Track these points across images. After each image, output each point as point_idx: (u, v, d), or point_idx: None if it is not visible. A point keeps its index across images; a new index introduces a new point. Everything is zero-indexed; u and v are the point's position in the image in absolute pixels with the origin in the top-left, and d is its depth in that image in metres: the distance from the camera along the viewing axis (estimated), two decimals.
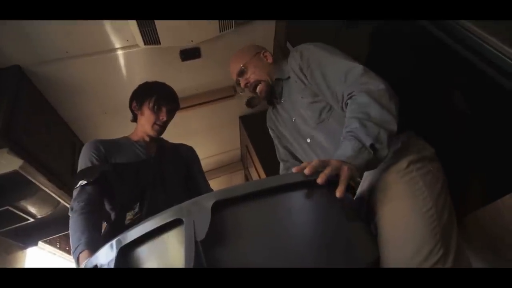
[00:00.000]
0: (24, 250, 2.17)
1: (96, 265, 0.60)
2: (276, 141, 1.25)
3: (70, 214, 1.01)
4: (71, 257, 0.94)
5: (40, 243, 2.30)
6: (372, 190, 0.80)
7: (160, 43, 1.57)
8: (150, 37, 1.52)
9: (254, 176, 2.74)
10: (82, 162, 1.10)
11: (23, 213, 1.74)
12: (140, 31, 1.48)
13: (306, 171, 0.60)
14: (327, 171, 0.61)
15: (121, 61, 1.71)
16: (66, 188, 1.65)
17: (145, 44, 1.56)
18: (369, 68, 0.87)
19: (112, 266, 0.54)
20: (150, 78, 1.30)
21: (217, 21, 1.59)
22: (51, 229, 2.13)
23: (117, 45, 1.63)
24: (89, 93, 1.77)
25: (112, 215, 1.11)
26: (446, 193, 0.78)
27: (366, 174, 0.84)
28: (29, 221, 1.83)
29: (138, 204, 1.08)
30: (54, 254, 2.88)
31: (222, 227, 0.52)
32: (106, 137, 1.24)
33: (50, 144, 1.60)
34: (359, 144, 0.70)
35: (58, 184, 1.60)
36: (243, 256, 0.52)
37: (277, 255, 0.53)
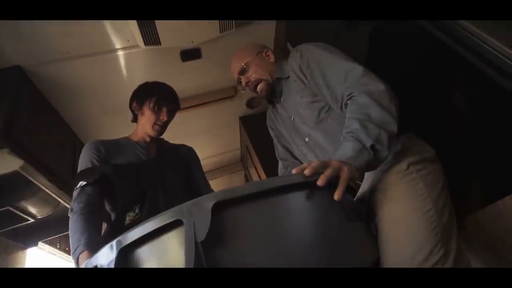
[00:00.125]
0: (24, 251, 2.18)
1: (96, 266, 0.59)
2: (275, 140, 1.25)
3: (70, 215, 1.01)
4: (71, 257, 0.94)
5: (40, 243, 2.30)
6: (373, 191, 0.80)
7: (160, 44, 1.57)
8: (151, 38, 1.52)
9: (254, 176, 2.74)
10: (83, 163, 1.10)
11: (23, 213, 1.74)
12: (141, 32, 1.48)
13: (306, 172, 0.60)
14: (327, 172, 0.61)
15: (122, 61, 1.71)
16: (66, 188, 1.65)
17: (145, 45, 1.56)
18: (369, 69, 0.87)
19: (112, 267, 0.54)
20: (151, 79, 1.30)
21: (218, 21, 1.59)
22: (51, 229, 2.13)
23: (118, 45, 1.63)
24: (90, 93, 1.77)
25: (112, 216, 1.11)
26: (447, 194, 0.78)
27: (367, 175, 0.84)
28: (29, 222, 1.83)
29: (139, 205, 1.08)
30: (54, 254, 2.88)
31: (223, 228, 0.52)
32: (107, 137, 1.24)
33: (51, 145, 1.60)
34: (359, 145, 0.70)
35: (59, 184, 1.60)
36: (243, 257, 0.52)
37: (277, 256, 0.53)
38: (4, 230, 1.83)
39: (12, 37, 1.38)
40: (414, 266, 0.67)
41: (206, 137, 2.62)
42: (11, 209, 1.65)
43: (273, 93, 1.15)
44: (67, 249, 2.94)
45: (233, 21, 1.63)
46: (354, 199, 0.84)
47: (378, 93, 0.79)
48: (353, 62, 0.90)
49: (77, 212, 0.99)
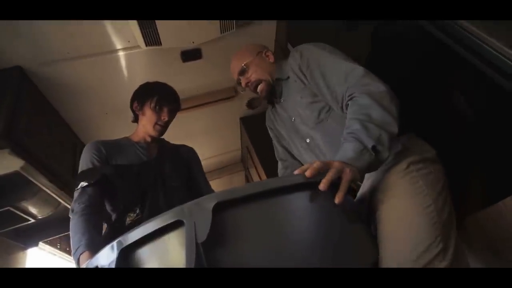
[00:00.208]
0: (25, 251, 2.18)
1: (97, 267, 0.60)
2: (274, 141, 1.25)
3: (70, 215, 1.01)
4: (71, 257, 0.94)
5: (40, 243, 2.30)
6: (373, 191, 0.80)
7: (161, 44, 1.57)
8: (151, 38, 1.52)
9: (255, 177, 2.74)
10: (83, 163, 1.10)
11: (24, 213, 1.75)
12: (141, 32, 1.48)
13: (308, 173, 0.60)
14: (329, 176, 0.61)
15: (122, 62, 1.72)
16: (66, 189, 1.65)
17: (146, 45, 1.56)
18: (369, 69, 0.87)
19: (113, 267, 0.54)
20: (151, 79, 1.31)
21: (218, 22, 1.59)
22: (51, 229, 2.13)
23: (118, 46, 1.63)
24: (90, 94, 1.77)
25: (113, 217, 1.11)
26: (447, 193, 0.78)
27: (367, 175, 0.84)
28: (29, 222, 1.84)
29: (139, 205, 1.08)
30: (55, 254, 2.88)
31: (223, 228, 0.52)
32: (107, 138, 1.24)
33: (51, 145, 1.60)
34: (360, 145, 0.70)
35: (59, 185, 1.60)
36: (244, 258, 0.52)
37: (277, 257, 0.53)
38: (4, 230, 1.84)
39: (13, 38, 1.38)
40: (414, 259, 0.67)
41: (206, 138, 2.62)
42: (12, 209, 1.65)
43: (273, 94, 1.15)
44: (67, 249, 2.94)
45: (234, 21, 1.63)
46: (355, 200, 0.84)
47: (379, 94, 0.79)
48: (353, 63, 0.90)
49: (78, 213, 0.99)
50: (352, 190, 0.77)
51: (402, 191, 0.75)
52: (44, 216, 1.86)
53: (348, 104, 0.84)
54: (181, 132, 1.94)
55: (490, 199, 0.84)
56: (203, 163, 1.42)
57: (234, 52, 1.23)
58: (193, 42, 1.68)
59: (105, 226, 1.13)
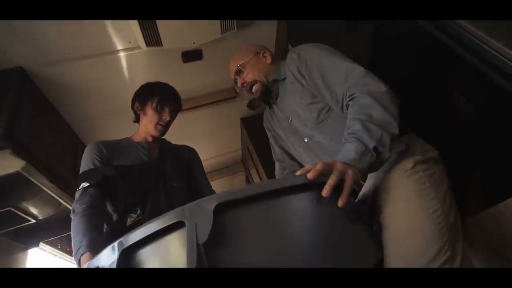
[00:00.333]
0: (25, 251, 2.18)
1: (98, 267, 0.60)
2: (272, 141, 1.25)
3: (72, 216, 1.01)
4: (72, 258, 0.95)
5: (41, 244, 2.30)
6: (376, 191, 0.80)
7: (162, 45, 1.57)
8: (152, 39, 1.52)
9: (255, 177, 2.74)
10: (85, 164, 1.10)
11: (25, 214, 1.75)
12: (142, 33, 1.48)
13: (310, 176, 0.59)
14: (331, 180, 0.60)
15: (123, 62, 1.72)
16: (67, 189, 1.65)
17: (147, 46, 1.56)
18: (369, 69, 0.87)
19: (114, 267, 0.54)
20: (152, 80, 1.31)
21: (219, 23, 1.59)
22: (52, 230, 2.14)
23: (119, 46, 1.63)
24: (91, 94, 1.77)
25: (114, 217, 1.11)
26: (451, 194, 0.78)
27: (369, 175, 0.84)
28: (30, 222, 1.83)
29: (140, 206, 1.08)
30: (55, 255, 2.88)
31: (224, 229, 0.52)
32: (109, 138, 1.24)
33: (52, 146, 1.60)
34: (362, 146, 0.69)
35: (60, 185, 1.60)
36: (245, 259, 0.52)
37: (279, 258, 0.53)
38: (5, 230, 1.84)
39: (14, 38, 1.38)
40: (422, 265, 0.67)
41: (207, 138, 2.62)
42: (13, 209, 1.65)
43: (269, 95, 1.15)
44: (68, 249, 2.94)
45: (235, 22, 1.63)
46: (356, 200, 0.84)
47: (379, 94, 0.78)
48: (353, 63, 0.89)
49: (79, 213, 0.99)
50: (353, 191, 0.76)
51: (407, 192, 0.75)
52: (44, 217, 1.86)
53: (348, 104, 0.84)
54: (181, 132, 1.94)
55: (490, 200, 0.84)
56: (203, 163, 1.42)
57: (235, 53, 1.23)
58: (193, 43, 1.68)
59: (105, 226, 1.13)
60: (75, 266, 0.94)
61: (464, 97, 0.88)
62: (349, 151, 0.70)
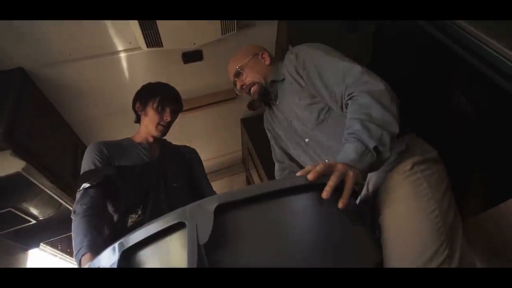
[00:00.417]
0: (26, 252, 2.18)
1: (99, 268, 0.60)
2: (272, 142, 1.25)
3: (72, 217, 1.01)
4: (73, 259, 0.95)
5: (41, 244, 2.31)
6: (376, 191, 0.80)
7: (162, 46, 1.57)
8: (153, 40, 1.53)
9: (256, 178, 2.74)
10: (85, 164, 1.10)
11: (25, 214, 1.75)
12: (143, 34, 1.49)
13: (310, 177, 0.59)
14: (332, 182, 0.60)
15: (124, 63, 1.72)
16: (68, 190, 1.65)
17: (147, 47, 1.56)
18: (371, 69, 0.86)
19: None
20: (153, 80, 1.31)
21: (219, 23, 1.59)
22: (52, 231, 2.14)
23: (120, 47, 1.63)
24: (92, 95, 1.78)
25: (115, 218, 1.11)
26: (451, 194, 0.78)
27: (369, 175, 0.83)
28: (31, 223, 1.84)
29: (141, 206, 1.08)
30: (56, 255, 2.89)
31: (225, 230, 0.52)
32: (109, 139, 1.24)
33: (53, 146, 1.60)
34: (362, 146, 0.69)
35: (60, 186, 1.60)
36: (246, 260, 0.52)
37: (279, 259, 0.53)
38: (6, 231, 1.84)
39: (15, 39, 1.38)
40: (420, 265, 0.67)
41: (207, 139, 2.62)
42: (13, 210, 1.65)
43: (268, 96, 1.15)
44: (68, 250, 2.94)
45: (235, 23, 1.64)
46: (357, 201, 0.84)
47: (378, 92, 0.78)
48: (351, 62, 0.89)
49: (80, 214, 0.99)
50: (354, 192, 0.76)
51: (405, 193, 0.75)
52: (45, 217, 1.87)
53: (348, 103, 0.83)
54: (182, 133, 1.95)
55: (491, 201, 0.83)
56: (204, 164, 1.42)
57: (235, 53, 1.23)
58: (194, 44, 1.68)
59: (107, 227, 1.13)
60: (75, 267, 0.94)
61: (464, 97, 0.88)
62: (349, 151, 0.69)
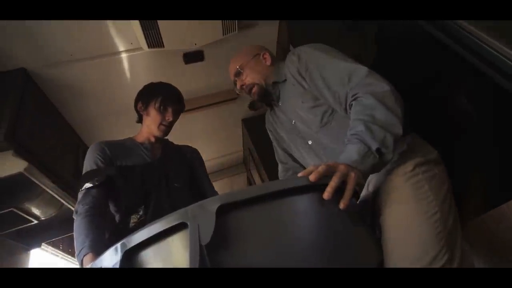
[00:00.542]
0: (28, 252, 2.19)
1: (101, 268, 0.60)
2: (275, 143, 1.24)
3: (74, 217, 1.01)
4: (74, 259, 0.95)
5: (43, 244, 2.31)
6: (377, 192, 0.79)
7: (163, 46, 1.58)
8: (154, 40, 1.53)
9: (257, 178, 2.74)
10: (87, 164, 1.11)
11: (27, 214, 1.75)
12: (144, 34, 1.49)
13: (312, 178, 0.59)
14: (333, 182, 0.60)
15: (125, 64, 1.73)
16: (70, 190, 1.65)
17: (149, 47, 1.56)
18: (374, 70, 0.86)
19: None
20: (154, 81, 1.31)
21: (220, 24, 1.60)
22: (54, 231, 2.14)
23: (121, 48, 1.64)
24: (94, 95, 1.78)
25: (117, 218, 1.11)
26: (451, 196, 0.77)
27: (371, 176, 0.83)
28: (32, 223, 1.84)
29: (143, 206, 1.08)
30: (57, 255, 2.89)
31: (227, 231, 0.53)
32: (111, 139, 1.24)
33: (55, 147, 1.61)
34: (364, 147, 0.69)
35: (62, 186, 1.60)
36: (248, 260, 0.52)
37: (281, 259, 0.53)
38: (8, 231, 1.84)
39: (17, 40, 1.39)
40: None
41: (208, 139, 2.63)
42: (15, 210, 1.66)
43: (270, 97, 1.14)
44: (70, 250, 2.95)
45: (236, 23, 1.64)
46: (358, 201, 0.84)
47: (382, 94, 0.77)
48: (354, 63, 0.88)
49: (82, 214, 0.99)
50: (355, 192, 0.76)
51: (406, 195, 0.75)
52: (47, 217, 1.87)
53: (351, 105, 0.83)
54: (183, 133, 1.94)
55: (492, 201, 0.83)
56: (205, 164, 1.42)
57: (236, 54, 1.23)
58: (195, 44, 1.68)
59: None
60: (77, 267, 0.94)
61: (464, 97, 0.88)
62: (351, 152, 0.69)
